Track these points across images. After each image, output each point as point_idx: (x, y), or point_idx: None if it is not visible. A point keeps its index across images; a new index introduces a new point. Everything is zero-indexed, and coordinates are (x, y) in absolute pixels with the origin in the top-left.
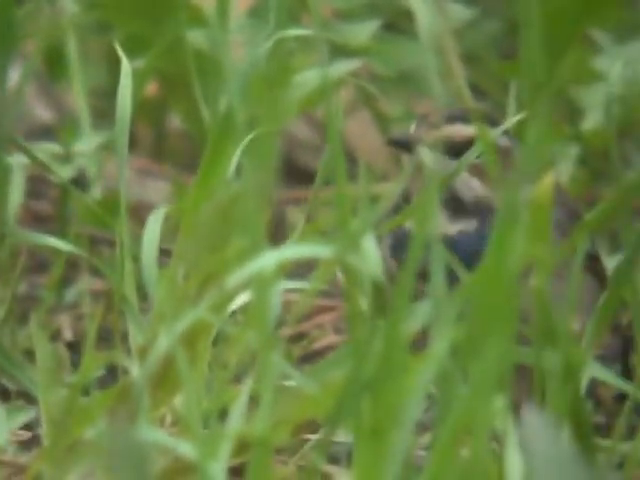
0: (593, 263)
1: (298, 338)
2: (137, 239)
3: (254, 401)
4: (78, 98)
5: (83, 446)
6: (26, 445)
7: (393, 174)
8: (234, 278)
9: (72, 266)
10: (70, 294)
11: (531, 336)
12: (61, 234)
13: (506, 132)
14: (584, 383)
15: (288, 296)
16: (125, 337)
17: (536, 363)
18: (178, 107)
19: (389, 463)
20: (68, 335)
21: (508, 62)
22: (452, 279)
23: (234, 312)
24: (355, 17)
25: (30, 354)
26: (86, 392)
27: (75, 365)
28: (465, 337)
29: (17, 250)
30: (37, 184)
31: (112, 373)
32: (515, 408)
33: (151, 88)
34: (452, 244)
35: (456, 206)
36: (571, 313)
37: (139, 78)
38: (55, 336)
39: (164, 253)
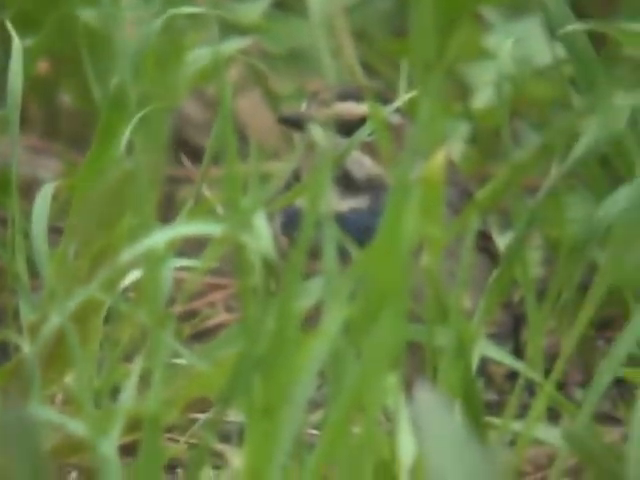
0: (484, 241)
1: (189, 316)
2: (28, 217)
3: (145, 379)
4: None
5: None
6: None
7: (284, 152)
8: (125, 256)
9: None
10: None
11: (423, 314)
12: None
13: (398, 110)
14: (475, 361)
15: (179, 274)
16: (17, 315)
17: (428, 341)
18: (69, 85)
19: (280, 441)
20: None
21: (399, 40)
22: (344, 256)
23: (125, 290)
24: None
25: None
26: None
27: None
28: (357, 315)
29: None
30: None
31: (4, 351)
32: (407, 386)
33: (42, 66)
34: (344, 221)
35: (348, 183)
36: (463, 291)
37: (30, 56)
38: None
39: (56, 231)
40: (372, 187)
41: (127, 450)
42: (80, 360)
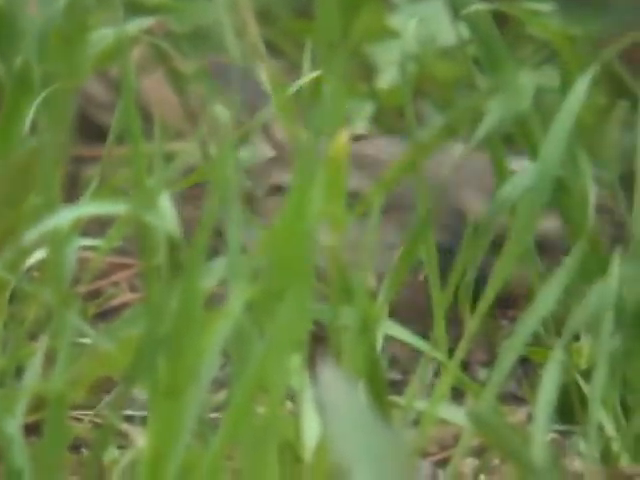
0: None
1: (94, 295)
2: None
3: (50, 358)
4: None
5: None
6: None
7: (188, 132)
8: (29, 235)
9: None
10: None
11: (327, 293)
12: None
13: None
14: (380, 340)
15: (84, 254)
16: None
17: (332, 320)
18: None
19: (184, 421)
20: None
21: (303, 20)
22: (249, 235)
23: (30, 269)
24: None
25: None
26: None
27: None
28: (262, 294)
29: None
30: None
31: None
32: (311, 365)
33: None
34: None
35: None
36: (367, 270)
37: None
38: None
39: None
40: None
41: (32, 429)
42: None
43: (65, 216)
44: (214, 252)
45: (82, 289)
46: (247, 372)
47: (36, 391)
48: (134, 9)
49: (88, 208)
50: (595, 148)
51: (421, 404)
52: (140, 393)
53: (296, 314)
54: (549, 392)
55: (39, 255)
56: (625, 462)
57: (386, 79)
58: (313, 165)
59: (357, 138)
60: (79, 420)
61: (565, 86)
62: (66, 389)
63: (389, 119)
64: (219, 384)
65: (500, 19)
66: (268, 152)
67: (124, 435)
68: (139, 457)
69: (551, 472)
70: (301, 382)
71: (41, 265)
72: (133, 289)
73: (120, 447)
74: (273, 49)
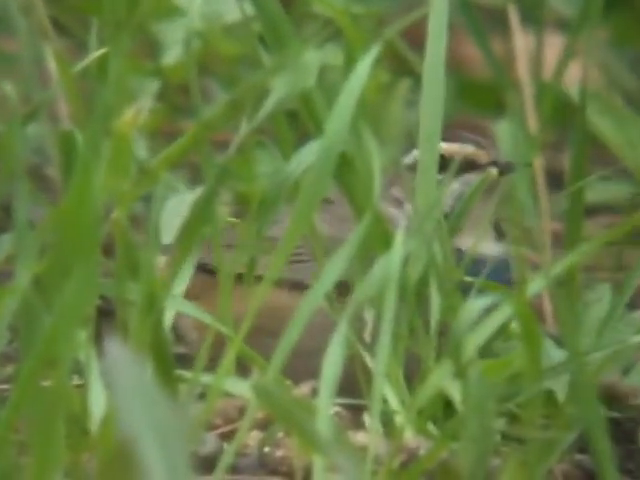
0: None
1: None
2: None
3: None
4: None
5: None
6: None
7: None
8: None
9: None
10: None
11: (114, 269)
12: None
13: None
14: (168, 316)
15: None
16: None
17: (119, 296)
18: None
19: None
20: None
21: None
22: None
23: None
24: None
25: None
26: None
27: None
28: (49, 270)
29: None
30: None
31: None
32: (98, 340)
33: None
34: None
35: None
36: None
37: None
38: None
39: None
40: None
41: None
42: None
43: None
44: (1, 229)
45: None
46: (34, 346)
47: None
48: None
49: None
50: (379, 125)
51: (207, 378)
52: None
53: (82, 289)
54: (333, 366)
55: None
56: (409, 435)
57: (171, 56)
58: (98, 141)
59: None
60: None
61: (349, 64)
62: None
63: (174, 96)
64: (7, 358)
65: None
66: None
67: None
68: None
69: (335, 445)
70: (88, 356)
71: None
72: None
73: None
74: (60, 28)
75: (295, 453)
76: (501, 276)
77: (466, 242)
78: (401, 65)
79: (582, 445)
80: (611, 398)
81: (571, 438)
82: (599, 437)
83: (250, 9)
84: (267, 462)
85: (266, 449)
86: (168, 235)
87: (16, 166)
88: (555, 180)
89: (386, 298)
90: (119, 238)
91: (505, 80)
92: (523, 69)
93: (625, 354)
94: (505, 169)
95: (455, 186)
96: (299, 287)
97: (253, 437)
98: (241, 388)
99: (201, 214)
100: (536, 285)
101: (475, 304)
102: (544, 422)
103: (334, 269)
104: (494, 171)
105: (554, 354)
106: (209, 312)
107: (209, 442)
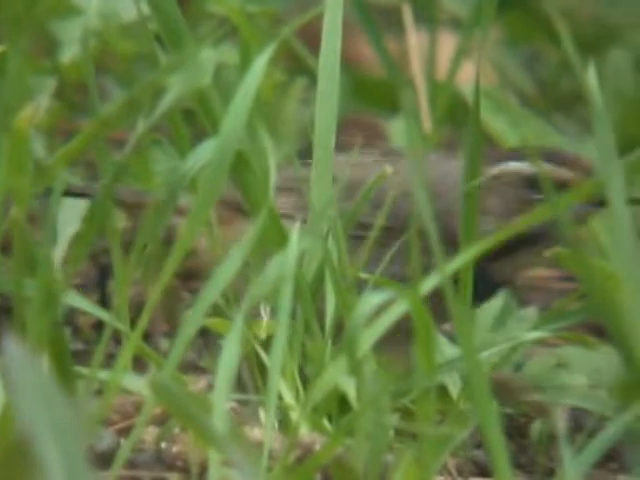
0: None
1: None
2: None
3: None
4: None
5: None
6: None
7: None
8: None
9: None
10: None
11: (12, 265)
12: None
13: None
14: (62, 311)
15: None
16: None
17: (16, 292)
18: None
19: None
20: None
21: None
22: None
23: None
24: None
25: None
26: None
27: None
28: None
29: None
30: None
31: None
32: None
33: None
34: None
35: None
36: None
37: None
38: None
39: None
40: None
41: None
42: None
43: None
44: None
45: None
46: None
47: None
48: None
49: None
50: (274, 123)
51: (104, 374)
52: None
53: None
54: (229, 362)
55: None
56: (304, 431)
57: (68, 54)
58: None
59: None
60: None
61: (244, 62)
62: None
63: (72, 94)
64: None
65: None
66: None
67: None
68: None
69: (231, 440)
70: None
71: None
72: None
73: None
74: None
75: (191, 448)
76: None
77: None
78: (297, 64)
79: (476, 440)
80: (504, 394)
81: (465, 433)
82: (493, 432)
83: (146, 8)
84: (164, 457)
85: (163, 444)
86: (65, 233)
87: None
88: None
89: (282, 294)
90: (17, 235)
91: (399, 79)
92: (417, 68)
93: (517, 351)
94: None
95: None
96: None
97: (150, 433)
98: (138, 384)
99: (97, 211)
100: (430, 282)
101: (370, 300)
102: (438, 418)
103: (230, 266)
104: (389, 168)
105: (448, 350)
106: None
107: (106, 438)
